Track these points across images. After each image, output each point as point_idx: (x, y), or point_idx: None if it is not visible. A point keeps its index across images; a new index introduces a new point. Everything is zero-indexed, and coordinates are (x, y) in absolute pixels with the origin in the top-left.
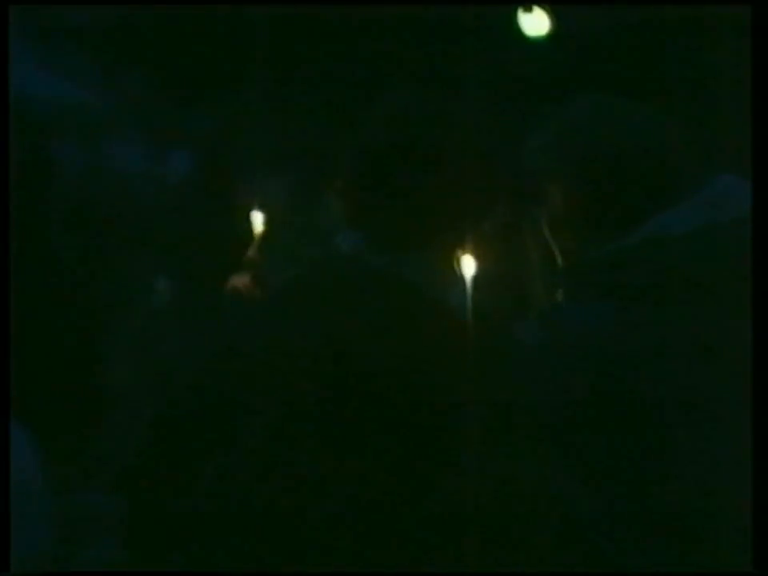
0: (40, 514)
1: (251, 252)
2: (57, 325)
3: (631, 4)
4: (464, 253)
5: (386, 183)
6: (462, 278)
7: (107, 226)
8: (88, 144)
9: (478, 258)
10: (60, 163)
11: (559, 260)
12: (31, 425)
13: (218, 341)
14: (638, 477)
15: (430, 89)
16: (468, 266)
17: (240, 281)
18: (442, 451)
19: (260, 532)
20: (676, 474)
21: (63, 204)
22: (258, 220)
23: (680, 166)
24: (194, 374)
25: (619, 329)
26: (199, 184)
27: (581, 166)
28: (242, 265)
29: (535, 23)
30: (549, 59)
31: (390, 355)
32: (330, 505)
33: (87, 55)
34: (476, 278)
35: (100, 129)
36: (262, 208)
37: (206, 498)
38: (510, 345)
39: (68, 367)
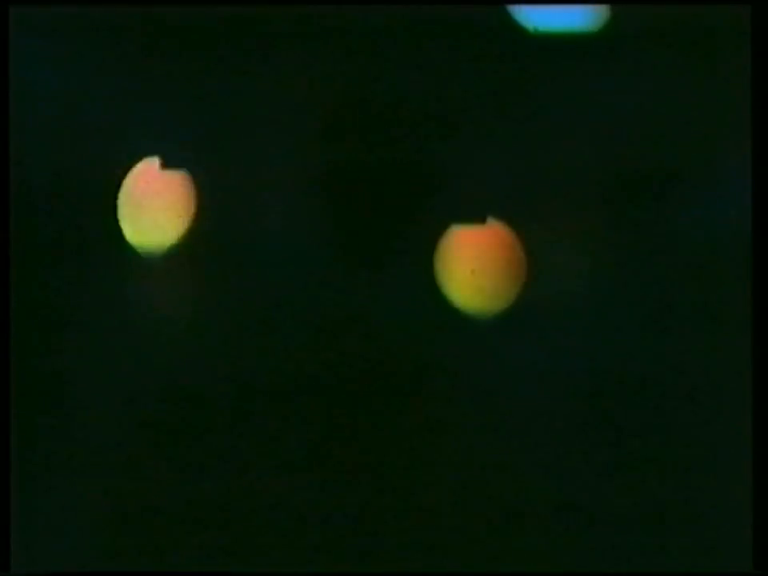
0: None
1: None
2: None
3: (629, 3)
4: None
5: (364, 185)
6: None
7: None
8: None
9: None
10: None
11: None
12: None
13: None
14: (638, 477)
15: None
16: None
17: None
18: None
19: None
20: (676, 473)
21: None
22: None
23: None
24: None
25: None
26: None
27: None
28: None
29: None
30: (551, 57)
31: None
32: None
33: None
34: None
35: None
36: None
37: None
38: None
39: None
